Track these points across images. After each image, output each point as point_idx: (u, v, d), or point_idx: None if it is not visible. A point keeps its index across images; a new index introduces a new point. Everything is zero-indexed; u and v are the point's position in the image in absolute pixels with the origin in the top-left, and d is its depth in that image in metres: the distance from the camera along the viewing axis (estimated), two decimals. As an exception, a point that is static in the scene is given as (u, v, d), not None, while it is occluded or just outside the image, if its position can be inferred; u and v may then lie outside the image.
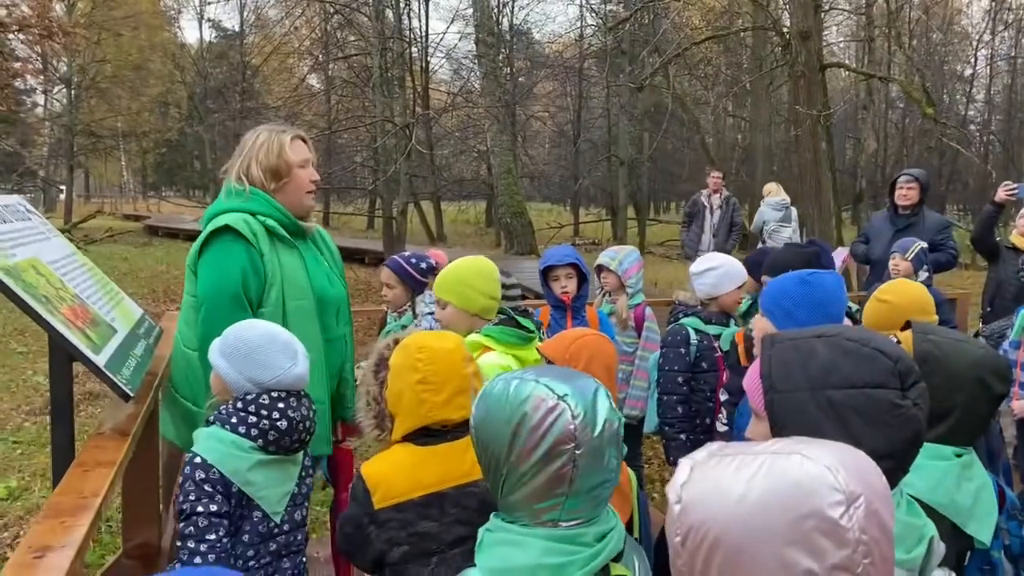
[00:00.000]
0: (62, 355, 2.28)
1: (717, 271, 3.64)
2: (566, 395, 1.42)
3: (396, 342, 2.19)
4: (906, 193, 5.92)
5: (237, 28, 33.14)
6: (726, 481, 0.96)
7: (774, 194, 9.55)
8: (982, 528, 1.83)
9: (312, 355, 2.69)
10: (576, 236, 26.12)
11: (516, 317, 2.95)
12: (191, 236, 22.98)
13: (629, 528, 2.44)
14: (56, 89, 30.22)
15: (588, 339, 2.53)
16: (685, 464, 1.02)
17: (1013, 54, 30.18)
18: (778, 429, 1.34)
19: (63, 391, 2.32)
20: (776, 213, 9.34)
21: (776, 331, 2.23)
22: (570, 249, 3.94)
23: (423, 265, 3.94)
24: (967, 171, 28.27)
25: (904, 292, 2.92)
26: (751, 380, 1.43)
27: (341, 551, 2.20)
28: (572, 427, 1.40)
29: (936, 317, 2.92)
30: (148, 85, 32.52)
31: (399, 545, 1.97)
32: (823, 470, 0.93)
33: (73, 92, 28.76)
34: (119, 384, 2.14)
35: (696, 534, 0.95)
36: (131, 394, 2.18)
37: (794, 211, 9.57)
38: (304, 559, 2.35)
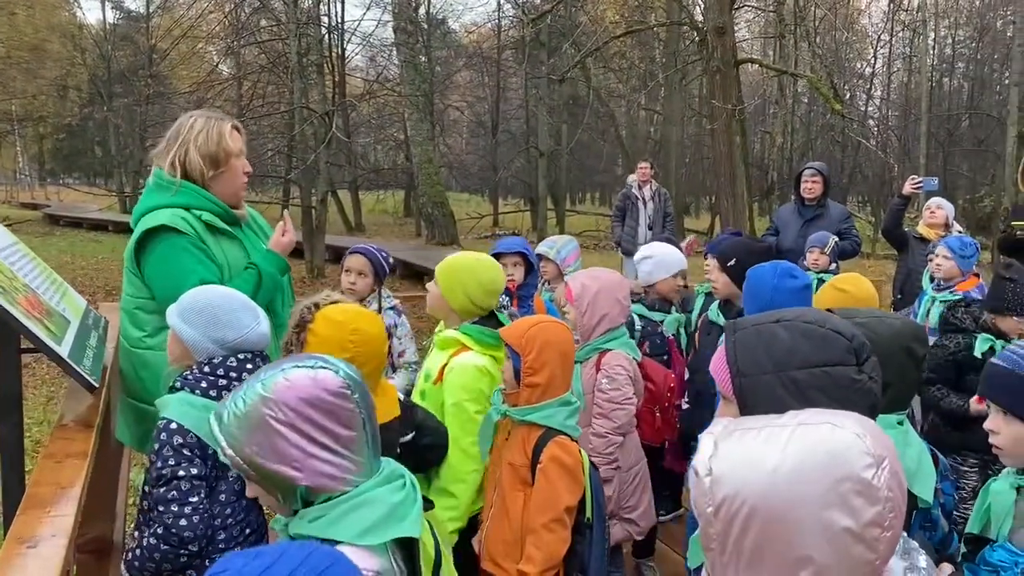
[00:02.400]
0: (11, 347, 2.23)
1: (652, 259, 3.80)
2: (316, 363, 1.46)
3: (316, 305, 2.28)
4: (811, 187, 6.22)
5: (142, 10, 31.82)
6: (757, 452, 1.02)
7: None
8: (925, 488, 2.00)
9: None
10: (496, 227, 26.17)
11: (498, 315, 2.94)
12: (97, 226, 22.05)
13: (581, 506, 2.53)
14: (-56, 71, 28.43)
15: (545, 325, 2.61)
16: (707, 438, 1.08)
17: (909, 53, 31.72)
18: (747, 410, 1.40)
19: (13, 384, 2.27)
20: None
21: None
22: (519, 239, 4.01)
23: (391, 259, 3.82)
24: (867, 164, 29.59)
25: (861, 286, 3.12)
26: (717, 365, 1.49)
27: None
28: (342, 380, 1.44)
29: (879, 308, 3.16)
30: (46, 67, 30.88)
31: None
32: (853, 436, 1.01)
33: (-38, 74, 27.10)
34: (84, 375, 2.11)
35: (731, 505, 1.01)
36: (96, 384, 2.16)
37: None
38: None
